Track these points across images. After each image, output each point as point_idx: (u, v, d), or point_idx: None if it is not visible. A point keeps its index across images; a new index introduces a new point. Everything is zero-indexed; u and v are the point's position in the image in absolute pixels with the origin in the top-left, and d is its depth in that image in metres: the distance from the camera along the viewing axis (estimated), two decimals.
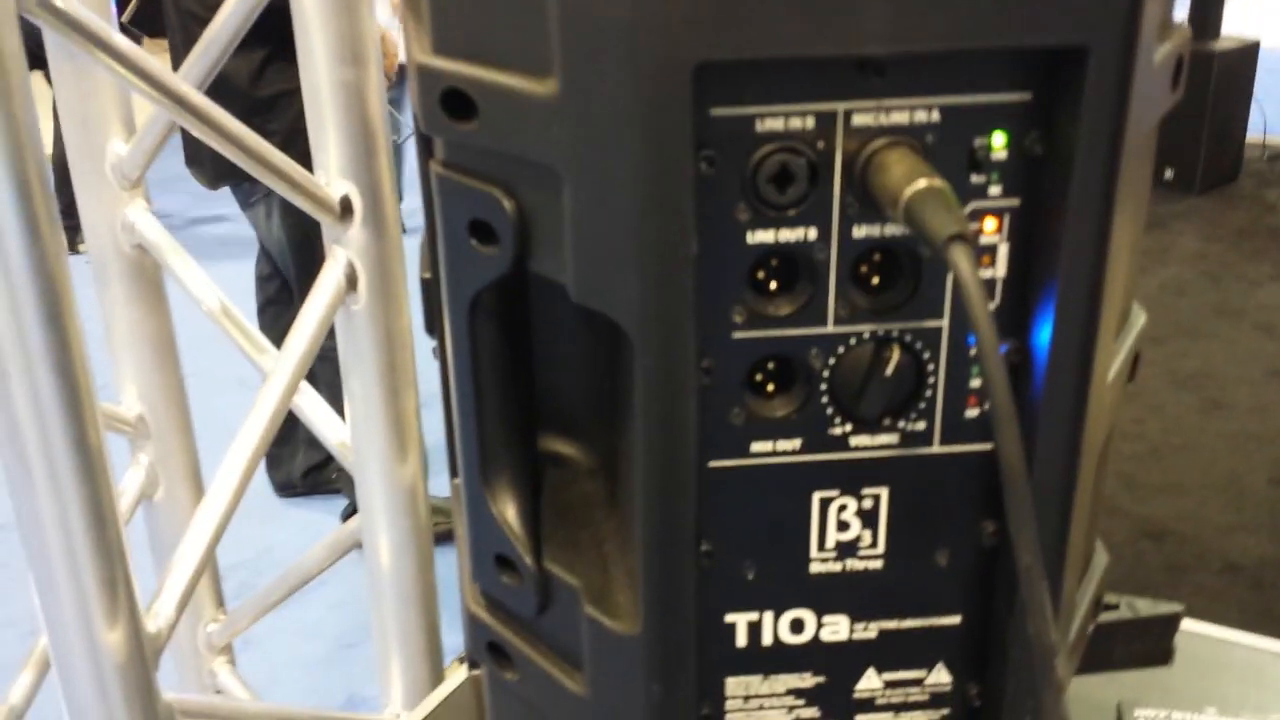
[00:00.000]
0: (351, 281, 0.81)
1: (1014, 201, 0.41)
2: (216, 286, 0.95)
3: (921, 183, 0.37)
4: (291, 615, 2.43)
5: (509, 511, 0.50)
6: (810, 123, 0.39)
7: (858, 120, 0.39)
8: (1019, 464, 0.35)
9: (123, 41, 0.72)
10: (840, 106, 0.39)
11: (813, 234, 0.41)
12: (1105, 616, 0.65)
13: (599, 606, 0.47)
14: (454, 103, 0.43)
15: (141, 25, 2.20)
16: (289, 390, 0.81)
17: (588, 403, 0.50)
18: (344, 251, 0.81)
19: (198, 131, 0.79)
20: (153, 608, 0.76)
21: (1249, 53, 4.48)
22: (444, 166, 0.45)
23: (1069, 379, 0.43)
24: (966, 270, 0.34)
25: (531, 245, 0.43)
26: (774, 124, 0.39)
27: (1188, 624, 0.86)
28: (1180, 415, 3.22)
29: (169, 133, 0.88)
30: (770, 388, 0.43)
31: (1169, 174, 4.55)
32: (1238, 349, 3.54)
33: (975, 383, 0.44)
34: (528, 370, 0.50)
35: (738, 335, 0.42)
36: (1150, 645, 0.67)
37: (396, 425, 0.89)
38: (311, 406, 0.92)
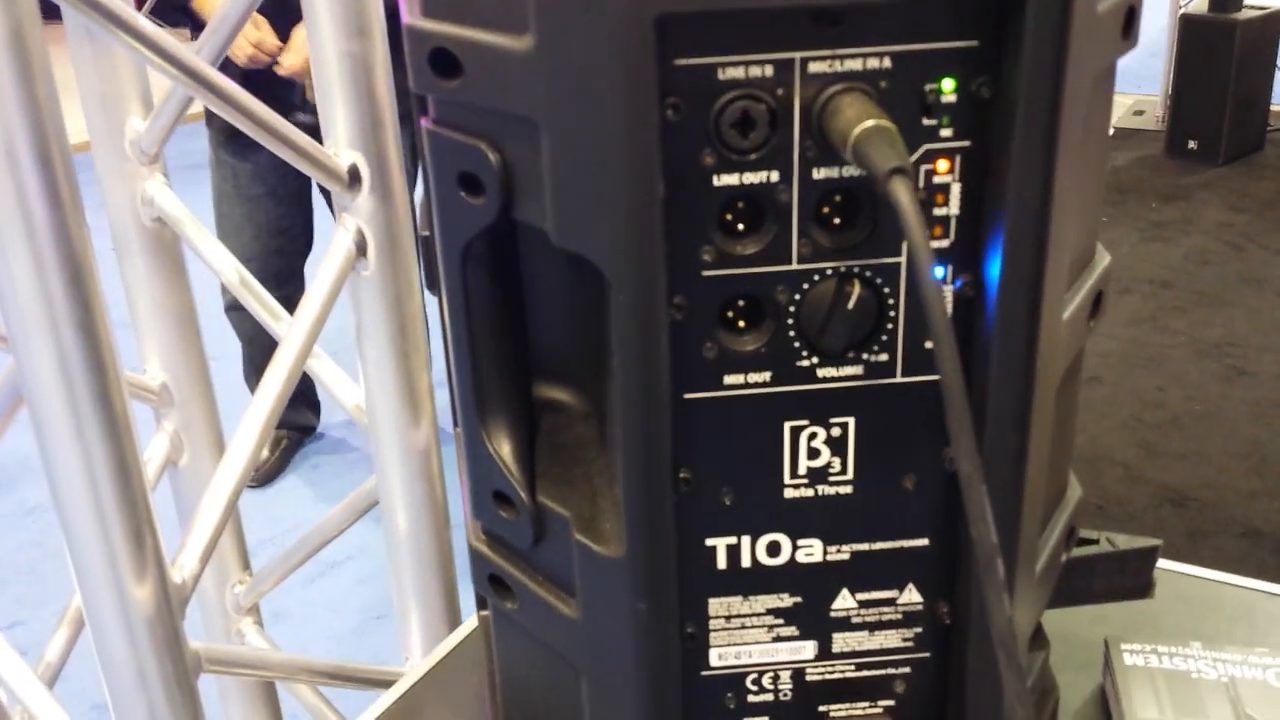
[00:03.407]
0: (361, 248, 0.84)
1: (964, 143, 0.44)
2: (234, 258, 0.98)
3: (869, 123, 0.40)
4: (321, 589, 2.49)
5: (505, 449, 0.53)
6: (769, 71, 0.42)
7: (814, 68, 0.42)
8: (956, 378, 0.38)
9: (140, 20, 0.75)
10: (797, 55, 0.42)
11: (775, 176, 0.44)
12: (1084, 551, 0.68)
13: (588, 534, 0.50)
14: (440, 61, 0.46)
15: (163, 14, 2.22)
16: (302, 354, 0.84)
17: (578, 350, 0.54)
18: (353, 219, 0.84)
19: (214, 106, 0.82)
20: (178, 560, 0.80)
21: (1271, 21, 4.44)
22: (434, 123, 0.49)
23: (1020, 311, 0.45)
24: (905, 200, 0.37)
25: (515, 194, 0.46)
26: (735, 73, 0.42)
27: (1177, 565, 0.88)
28: (1203, 383, 3.22)
29: (185, 108, 0.92)
30: (741, 323, 0.46)
31: (1192, 144, 4.53)
32: (1261, 317, 3.53)
33: None
34: (519, 317, 0.54)
35: (708, 274, 0.45)
36: (1130, 579, 0.69)
37: (409, 388, 0.93)
38: (326, 371, 0.96)
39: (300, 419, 2.87)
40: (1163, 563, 0.77)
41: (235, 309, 2.46)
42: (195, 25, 2.20)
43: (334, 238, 0.86)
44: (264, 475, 2.79)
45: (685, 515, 0.48)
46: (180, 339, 1.06)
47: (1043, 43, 0.41)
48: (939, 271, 0.46)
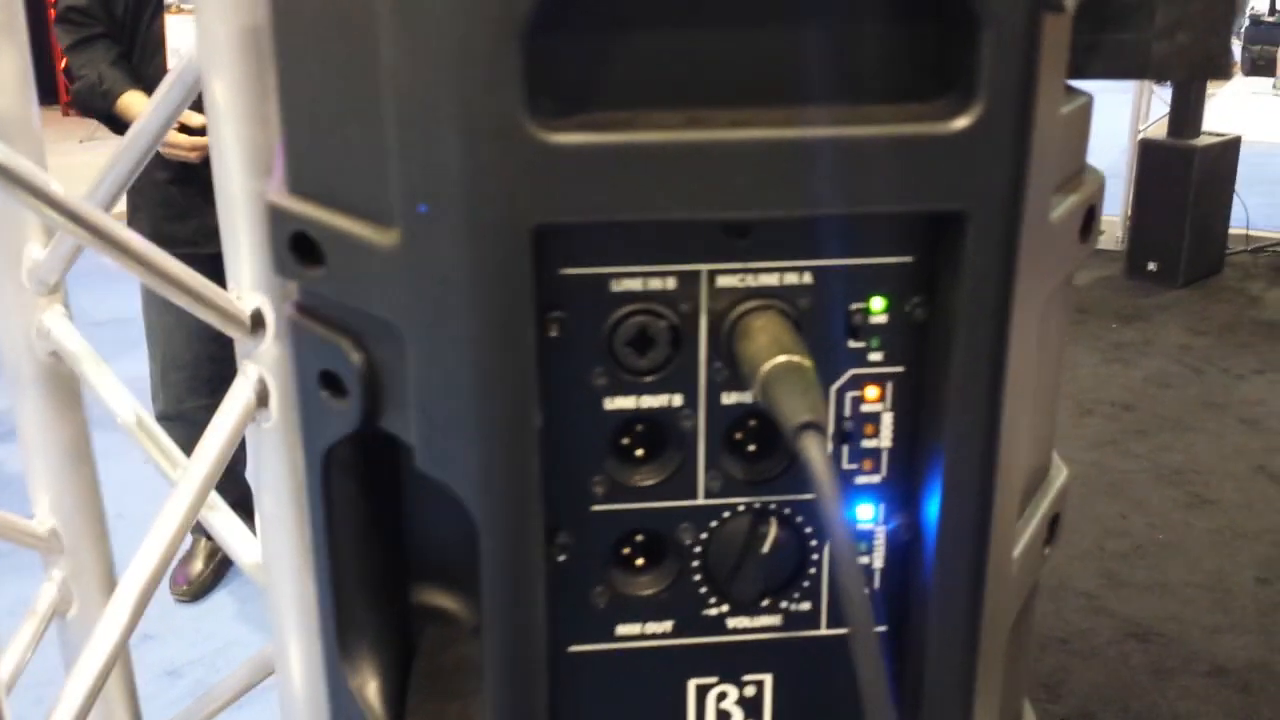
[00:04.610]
0: (262, 398, 0.77)
1: (897, 369, 0.38)
2: (133, 398, 0.91)
3: (780, 359, 0.34)
4: (249, 714, 2.35)
5: (369, 687, 0.46)
6: (671, 284, 0.36)
7: (723, 282, 0.36)
8: (881, 693, 0.31)
9: (28, 168, 0.69)
10: (704, 267, 0.36)
11: (678, 400, 0.37)
12: None
13: None
14: (302, 247, 0.40)
15: None
16: (193, 509, 0.77)
17: (466, 554, 0.47)
18: (255, 367, 0.77)
19: (105, 254, 0.76)
20: None
21: (1229, 148, 4.53)
22: (298, 311, 0.42)
23: (964, 556, 0.39)
24: (819, 463, 0.31)
25: (381, 402, 0.40)
26: (631, 284, 0.36)
27: None
28: (1165, 511, 3.19)
29: None
30: (638, 563, 0.40)
31: (1152, 266, 4.58)
32: (1223, 444, 3.52)
33: (864, 559, 0.40)
34: (394, 526, 0.47)
35: (598, 508, 0.38)
36: None
37: (309, 546, 0.85)
38: (225, 524, 0.88)
39: None
40: None
41: (168, 418, 2.35)
42: (117, 128, 2.14)
43: (234, 386, 0.78)
44: (196, 589, 2.66)
45: None
46: (73, 479, 0.97)
47: (986, 259, 0.36)
48: (867, 511, 0.39)
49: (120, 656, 1.02)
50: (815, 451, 0.31)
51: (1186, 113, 4.44)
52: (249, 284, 0.82)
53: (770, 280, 0.36)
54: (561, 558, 0.38)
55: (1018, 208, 0.35)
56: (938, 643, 0.40)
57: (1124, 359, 4.07)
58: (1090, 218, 0.44)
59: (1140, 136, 4.70)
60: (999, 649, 0.44)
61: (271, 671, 0.97)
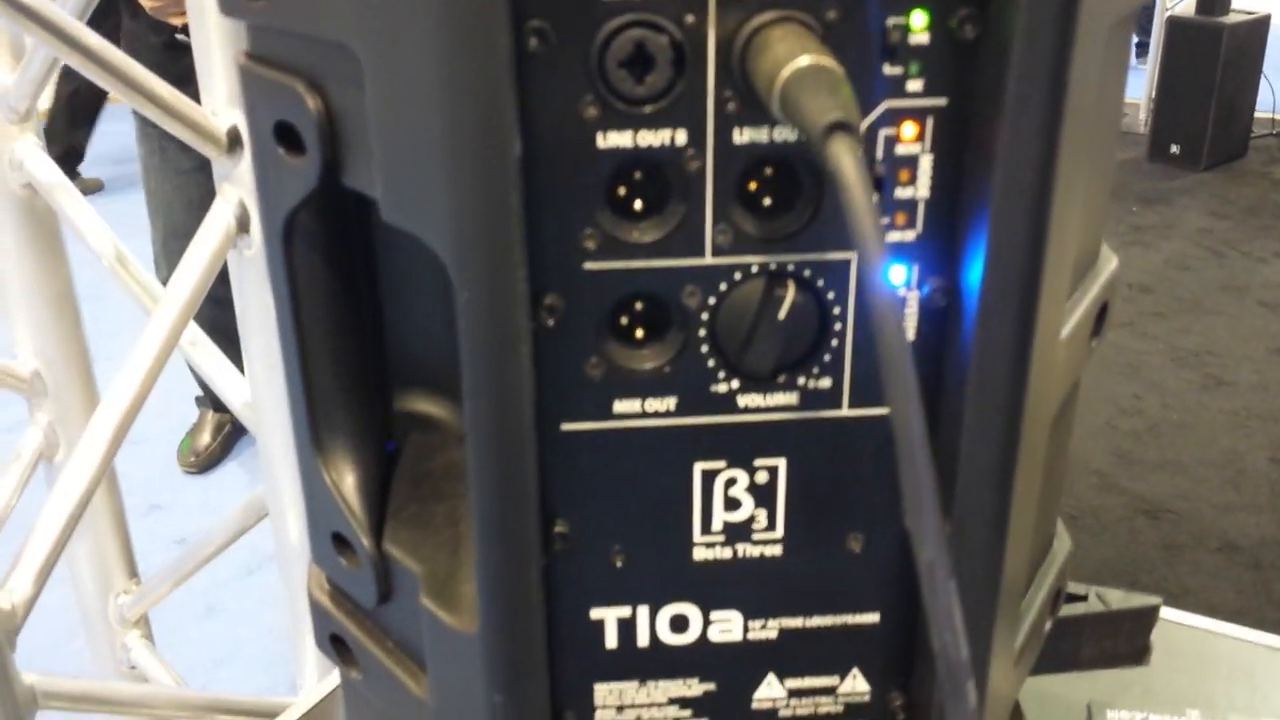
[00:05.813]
0: (243, 224, 0.73)
1: (939, 101, 0.33)
2: (113, 232, 0.86)
3: (803, 60, 0.28)
4: (258, 581, 2.36)
5: (346, 481, 0.42)
6: None
7: None
8: (917, 427, 0.27)
9: None
10: None
11: (682, 137, 0.32)
12: (1071, 609, 0.57)
13: (438, 598, 0.39)
14: None
15: None
16: (169, 343, 0.73)
17: (452, 353, 0.42)
18: (234, 189, 0.72)
19: (78, 64, 0.70)
20: (7, 583, 0.68)
21: (1259, 27, 4.37)
22: (248, 58, 0.37)
23: (1007, 328, 0.34)
24: (849, 168, 0.26)
25: (343, 152, 0.35)
26: None
27: (1171, 614, 0.78)
28: (1180, 391, 3.16)
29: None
30: (638, 333, 0.35)
31: (1175, 149, 4.46)
32: (1241, 326, 3.47)
33: None
34: (371, 311, 0.42)
35: (591, 266, 0.34)
36: (1124, 643, 0.59)
37: None
38: (210, 362, 0.84)
39: None
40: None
41: None
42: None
43: (211, 210, 0.74)
44: (204, 461, 2.66)
45: (562, 580, 0.37)
46: (56, 320, 0.94)
47: None
48: (899, 273, 0.34)
49: (108, 492, 0.99)
50: (846, 159, 0.26)
51: None
52: (225, 99, 0.76)
53: None
54: (550, 322, 0.33)
55: None
56: (975, 426, 0.35)
57: (1144, 242, 3.99)
58: None
59: (1168, 14, 4.53)
60: (1039, 446, 0.39)
61: (264, 515, 0.94)
